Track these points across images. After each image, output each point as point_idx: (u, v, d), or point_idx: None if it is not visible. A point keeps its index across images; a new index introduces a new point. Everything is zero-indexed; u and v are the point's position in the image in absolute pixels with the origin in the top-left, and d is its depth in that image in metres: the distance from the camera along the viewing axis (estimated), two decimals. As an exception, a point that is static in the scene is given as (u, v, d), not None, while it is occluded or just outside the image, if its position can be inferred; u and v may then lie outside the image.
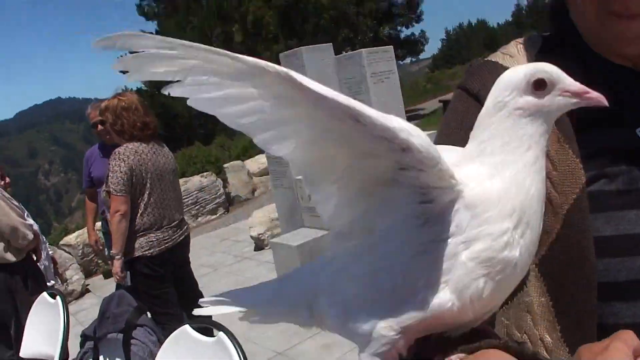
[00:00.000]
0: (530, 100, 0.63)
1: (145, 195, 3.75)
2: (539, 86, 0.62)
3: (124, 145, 3.76)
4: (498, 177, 0.61)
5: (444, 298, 0.59)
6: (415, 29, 63.78)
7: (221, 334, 1.90)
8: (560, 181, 0.86)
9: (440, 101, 24.55)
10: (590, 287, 0.84)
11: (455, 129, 0.94)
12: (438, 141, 0.89)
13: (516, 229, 0.60)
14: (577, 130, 0.88)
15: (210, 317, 2.10)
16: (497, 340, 0.64)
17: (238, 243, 8.10)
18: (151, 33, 0.69)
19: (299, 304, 0.71)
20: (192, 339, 2.06)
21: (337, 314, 0.66)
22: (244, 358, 1.80)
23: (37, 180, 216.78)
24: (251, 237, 7.58)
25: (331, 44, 7.08)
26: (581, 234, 0.84)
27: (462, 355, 0.62)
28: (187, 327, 2.09)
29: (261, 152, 14.93)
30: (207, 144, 18.20)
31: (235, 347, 1.81)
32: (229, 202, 11.51)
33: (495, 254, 0.59)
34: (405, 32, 28.95)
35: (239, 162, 12.81)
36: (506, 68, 0.87)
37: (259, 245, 7.49)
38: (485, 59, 1.04)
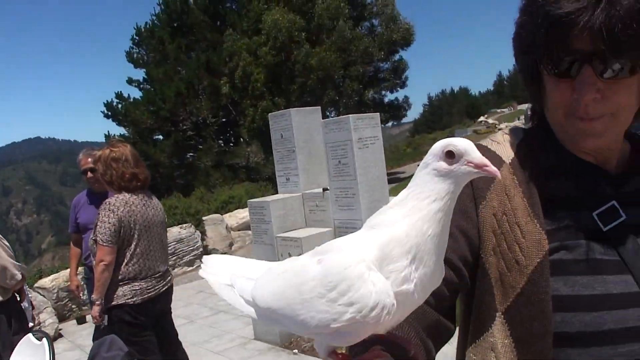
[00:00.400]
0: (442, 164, 0.79)
1: (132, 246, 3.84)
2: (450, 156, 0.78)
3: (115, 196, 3.88)
4: (407, 219, 0.77)
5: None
6: (399, 94, 65.05)
7: None
8: (527, 247, 1.06)
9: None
10: (547, 335, 1.04)
11: None
12: None
13: (412, 264, 0.75)
14: (546, 209, 1.08)
15: None
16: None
17: (214, 296, 8.07)
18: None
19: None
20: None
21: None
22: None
23: (9, 219, 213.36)
24: (228, 290, 7.58)
25: (319, 107, 7.31)
26: (542, 291, 1.04)
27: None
28: None
29: (240, 207, 15.02)
30: (186, 194, 18.24)
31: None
32: (206, 255, 11.51)
33: (396, 287, 0.74)
34: (389, 97, 29.51)
35: (217, 215, 12.90)
36: (493, 152, 1.15)
37: (235, 299, 7.50)
38: (477, 142, 1.20)
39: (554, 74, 1.06)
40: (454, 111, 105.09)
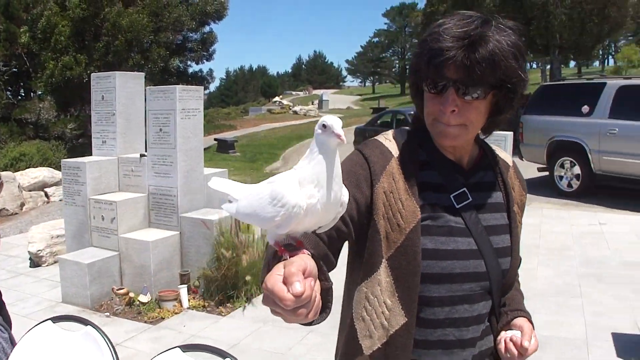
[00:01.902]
0: (320, 132, 1.19)
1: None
2: (324, 127, 1.18)
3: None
4: (310, 164, 1.17)
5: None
6: (204, 66, 64.33)
7: (89, 328, 2.11)
8: (405, 215, 1.51)
9: (215, 139, 25.10)
10: (417, 275, 1.50)
11: (350, 170, 1.55)
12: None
13: (315, 188, 1.14)
14: (420, 190, 1.55)
15: (73, 316, 2.28)
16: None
17: (10, 258, 7.77)
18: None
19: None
20: (55, 334, 2.21)
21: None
22: (113, 350, 2.03)
23: None
24: (29, 252, 7.34)
25: (143, 73, 7.32)
26: (415, 245, 1.50)
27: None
28: (49, 322, 2.23)
29: (33, 165, 14.20)
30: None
31: (104, 339, 2.03)
32: (-6, 215, 10.80)
33: (307, 200, 1.14)
34: (193, 68, 29.12)
35: (9, 172, 12.07)
36: (386, 147, 1.61)
37: (36, 261, 7.29)
38: (374, 137, 1.67)
39: (429, 91, 1.52)
40: (249, 88, 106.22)
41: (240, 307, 5.79)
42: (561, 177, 11.74)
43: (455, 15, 1.49)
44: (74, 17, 19.91)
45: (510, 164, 1.79)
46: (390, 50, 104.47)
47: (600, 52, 71.45)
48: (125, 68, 18.83)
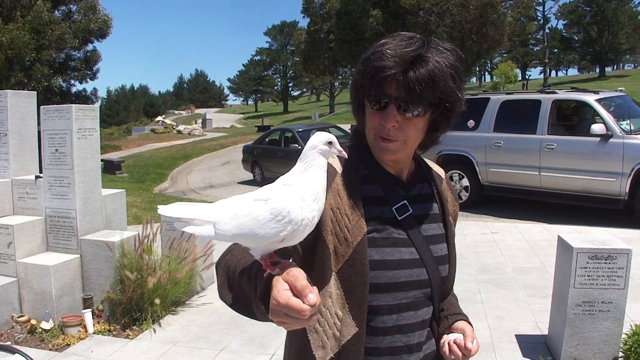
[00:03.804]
0: (325, 147, 1.32)
1: None
2: (329, 144, 1.32)
3: None
4: (310, 179, 1.28)
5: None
6: (88, 85, 62.33)
7: (17, 356, 2.04)
8: (352, 229, 1.58)
9: (101, 160, 24.24)
10: (365, 286, 1.56)
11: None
12: None
13: (314, 202, 1.27)
14: (364, 204, 1.63)
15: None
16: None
17: None
18: None
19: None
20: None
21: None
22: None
23: None
24: None
25: (36, 92, 7.06)
26: (362, 257, 1.56)
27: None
28: None
29: None
30: None
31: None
32: None
33: (308, 214, 1.26)
34: (77, 87, 28.21)
35: None
36: (330, 164, 1.66)
37: None
38: None
39: (371, 107, 1.61)
40: (131, 108, 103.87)
41: (147, 329, 5.67)
42: (451, 190, 12.09)
43: (397, 35, 1.59)
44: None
45: (443, 176, 1.90)
46: (272, 68, 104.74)
47: (477, 69, 75.20)
48: (7, 87, 17.99)
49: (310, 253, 1.60)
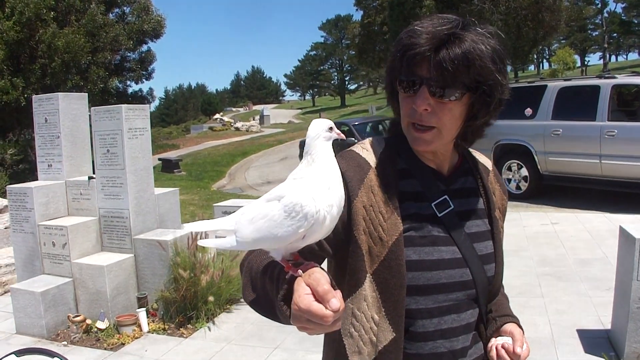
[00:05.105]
0: (327, 134, 1.24)
1: None
2: (330, 130, 1.24)
3: None
4: (319, 170, 1.20)
5: None
6: (144, 85, 63.72)
7: None
8: (387, 228, 1.46)
9: (159, 159, 24.65)
10: (403, 288, 1.45)
11: None
12: None
13: (329, 192, 1.18)
14: (400, 201, 1.50)
15: (39, 348, 2.18)
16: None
17: (-47, 289, 7.43)
18: None
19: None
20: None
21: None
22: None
23: None
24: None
25: (86, 94, 7.14)
26: (399, 258, 1.45)
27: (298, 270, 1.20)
28: (13, 357, 2.12)
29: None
30: None
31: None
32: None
33: (324, 204, 1.17)
34: (133, 87, 28.70)
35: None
36: (363, 158, 1.54)
37: (-13, 291, 7.00)
38: (350, 148, 1.61)
39: (403, 91, 1.48)
40: (189, 106, 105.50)
41: (201, 327, 5.66)
42: (509, 180, 11.91)
43: (434, 16, 1.46)
44: (8, 40, 19.31)
45: (490, 168, 1.77)
46: (329, 63, 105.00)
47: (535, 56, 73.57)
48: (64, 90, 18.35)
49: (342, 254, 1.50)
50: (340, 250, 1.49)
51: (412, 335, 1.50)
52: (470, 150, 1.73)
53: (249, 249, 1.36)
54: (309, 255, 1.37)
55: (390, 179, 1.52)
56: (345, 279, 1.51)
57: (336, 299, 1.09)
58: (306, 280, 1.15)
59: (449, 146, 1.59)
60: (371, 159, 1.55)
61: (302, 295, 1.12)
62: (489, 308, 1.67)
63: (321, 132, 1.24)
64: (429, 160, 1.58)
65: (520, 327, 1.64)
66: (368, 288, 1.47)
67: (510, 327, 1.62)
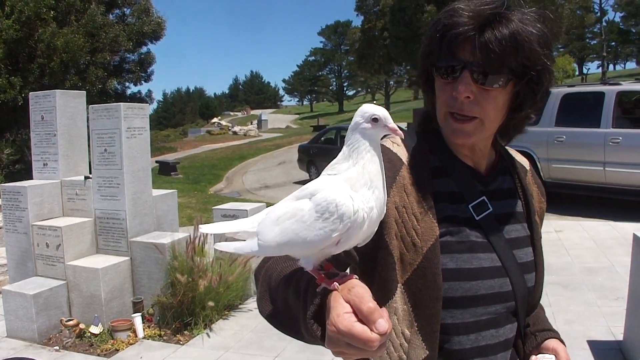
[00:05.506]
0: (368, 126, 1.04)
1: None
2: (374, 121, 1.04)
3: None
4: (356, 165, 1.03)
5: None
6: (143, 87, 63.67)
7: None
8: (422, 232, 1.29)
9: (156, 162, 24.46)
10: (438, 300, 1.28)
11: None
12: None
13: (370, 190, 1.01)
14: (435, 202, 1.32)
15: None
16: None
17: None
18: None
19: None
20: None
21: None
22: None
23: None
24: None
25: (85, 92, 6.98)
26: (434, 266, 1.28)
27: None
28: None
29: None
30: None
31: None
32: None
33: (364, 205, 1.01)
34: (132, 89, 28.50)
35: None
36: (395, 153, 1.37)
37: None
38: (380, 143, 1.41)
39: (442, 77, 1.31)
40: (187, 110, 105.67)
41: (199, 334, 5.48)
42: (511, 187, 11.67)
43: None
44: (7, 39, 19.13)
45: (528, 167, 1.60)
46: (327, 69, 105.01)
47: (534, 64, 73.55)
48: (62, 90, 18.18)
49: (370, 261, 1.32)
50: (367, 257, 1.32)
51: (447, 353, 1.32)
52: (507, 147, 1.57)
53: (273, 254, 1.20)
54: (332, 262, 1.19)
55: (424, 178, 1.35)
56: (373, 289, 1.33)
57: (383, 320, 0.92)
58: (345, 296, 0.98)
59: (488, 141, 1.44)
60: (403, 154, 1.39)
61: (342, 315, 0.94)
62: (526, 322, 1.50)
63: (361, 122, 1.05)
64: (465, 157, 1.42)
65: (562, 342, 1.50)
66: (399, 300, 1.30)
67: (552, 343, 1.48)
